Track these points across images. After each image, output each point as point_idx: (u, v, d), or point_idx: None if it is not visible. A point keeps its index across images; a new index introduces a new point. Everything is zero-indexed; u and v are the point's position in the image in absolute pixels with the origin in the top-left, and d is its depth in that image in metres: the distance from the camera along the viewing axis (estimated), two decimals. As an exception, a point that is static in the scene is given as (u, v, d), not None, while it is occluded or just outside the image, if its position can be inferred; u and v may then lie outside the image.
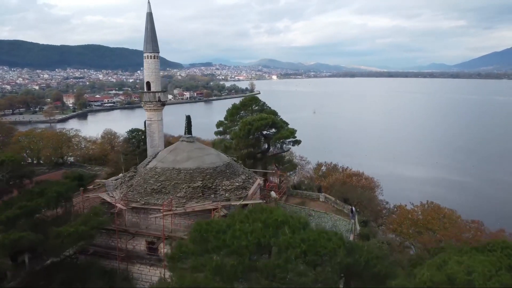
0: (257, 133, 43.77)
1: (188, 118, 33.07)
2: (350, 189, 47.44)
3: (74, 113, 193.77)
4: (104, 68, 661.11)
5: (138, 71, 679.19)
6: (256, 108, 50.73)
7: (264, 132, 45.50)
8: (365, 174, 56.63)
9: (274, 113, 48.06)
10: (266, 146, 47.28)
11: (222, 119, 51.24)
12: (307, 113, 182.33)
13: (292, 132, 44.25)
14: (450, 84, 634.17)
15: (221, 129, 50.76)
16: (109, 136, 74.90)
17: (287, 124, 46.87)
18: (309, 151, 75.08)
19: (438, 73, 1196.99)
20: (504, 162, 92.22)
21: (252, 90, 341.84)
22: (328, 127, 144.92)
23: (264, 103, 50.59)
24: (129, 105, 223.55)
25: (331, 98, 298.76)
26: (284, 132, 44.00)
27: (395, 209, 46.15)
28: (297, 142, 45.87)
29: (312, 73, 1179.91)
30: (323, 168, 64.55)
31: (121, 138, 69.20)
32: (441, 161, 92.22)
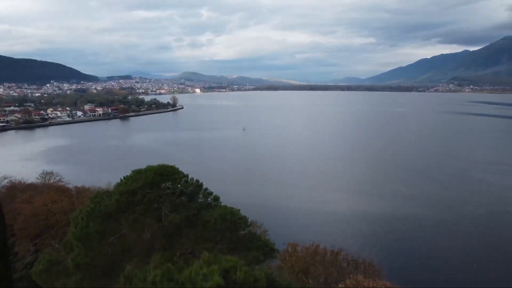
0: None
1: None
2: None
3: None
4: (7, 81, 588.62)
5: (48, 84, 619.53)
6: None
7: None
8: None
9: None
10: None
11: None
12: (237, 131, 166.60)
13: None
14: (369, 96, 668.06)
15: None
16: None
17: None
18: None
19: (354, 86, 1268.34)
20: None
21: (174, 104, 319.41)
22: (259, 148, 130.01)
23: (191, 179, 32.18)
24: (27, 125, 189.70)
25: (259, 113, 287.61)
26: None
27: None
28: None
29: (236, 86, 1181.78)
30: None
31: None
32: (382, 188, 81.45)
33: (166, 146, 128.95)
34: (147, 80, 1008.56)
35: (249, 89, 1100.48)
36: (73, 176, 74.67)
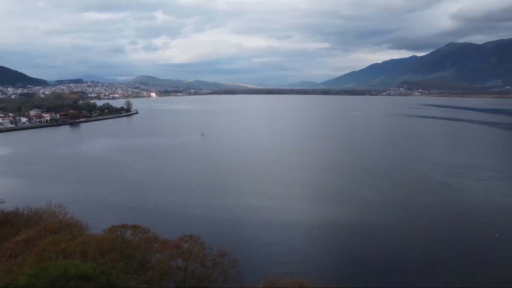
0: None
1: None
2: None
3: None
4: None
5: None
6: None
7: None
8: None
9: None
10: None
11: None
12: (195, 136, 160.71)
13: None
14: (326, 99, 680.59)
15: None
16: None
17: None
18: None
19: (310, 89, 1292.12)
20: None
21: (128, 109, 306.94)
22: (219, 155, 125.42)
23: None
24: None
25: (218, 117, 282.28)
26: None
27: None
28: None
29: (193, 90, 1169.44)
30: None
31: None
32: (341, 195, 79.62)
33: (119, 154, 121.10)
34: (100, 84, 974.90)
35: (206, 93, 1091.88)
36: (9, 193, 66.69)
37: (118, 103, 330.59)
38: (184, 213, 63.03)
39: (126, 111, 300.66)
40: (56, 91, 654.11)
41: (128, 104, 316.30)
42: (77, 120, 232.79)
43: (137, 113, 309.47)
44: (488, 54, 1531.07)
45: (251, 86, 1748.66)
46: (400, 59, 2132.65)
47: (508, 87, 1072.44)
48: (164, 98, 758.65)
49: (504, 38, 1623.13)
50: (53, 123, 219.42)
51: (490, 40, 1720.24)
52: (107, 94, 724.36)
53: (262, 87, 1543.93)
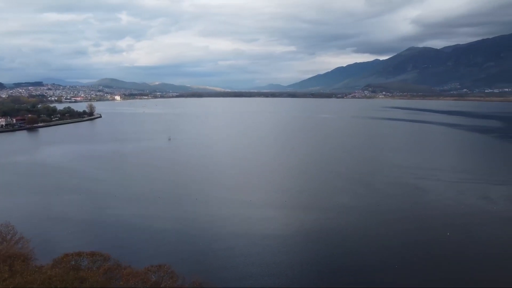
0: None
1: None
2: None
3: None
4: None
5: None
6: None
7: None
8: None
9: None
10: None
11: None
12: (162, 142, 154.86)
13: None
14: (293, 102, 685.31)
15: None
16: None
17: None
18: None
19: (278, 92, 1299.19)
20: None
21: (91, 113, 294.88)
22: (188, 160, 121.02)
23: None
24: None
25: (185, 121, 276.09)
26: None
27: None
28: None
29: (159, 93, 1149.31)
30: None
31: None
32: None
33: (80, 161, 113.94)
34: (61, 87, 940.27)
35: (172, 96, 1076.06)
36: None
37: (81, 107, 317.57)
38: (151, 227, 58.40)
39: (88, 115, 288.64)
40: (13, 94, 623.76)
41: (91, 107, 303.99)
42: (35, 125, 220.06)
43: (100, 117, 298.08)
44: (446, 58, 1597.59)
45: (218, 89, 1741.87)
46: (364, 62, 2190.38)
47: (465, 89, 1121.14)
48: (129, 101, 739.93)
49: (461, 43, 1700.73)
50: (9, 128, 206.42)
51: (447, 45, 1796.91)
52: (68, 97, 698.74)
53: (229, 90, 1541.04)
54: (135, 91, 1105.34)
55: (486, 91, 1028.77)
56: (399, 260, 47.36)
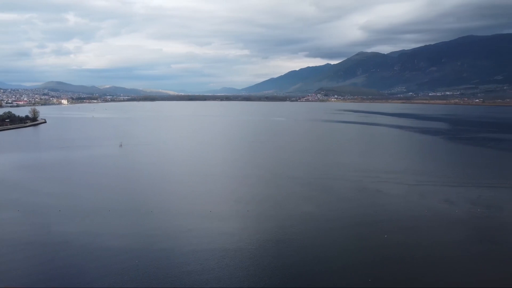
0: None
1: None
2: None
3: None
4: None
5: None
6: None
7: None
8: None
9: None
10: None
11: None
12: (113, 148, 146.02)
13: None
14: (248, 106, 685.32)
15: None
16: None
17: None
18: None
19: (232, 96, 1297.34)
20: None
21: (35, 118, 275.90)
22: (141, 168, 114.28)
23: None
24: None
25: (137, 126, 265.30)
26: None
27: None
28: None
29: (109, 97, 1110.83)
30: None
31: None
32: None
33: (21, 172, 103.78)
34: (1, 91, 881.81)
35: (124, 100, 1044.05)
36: None
37: (23, 112, 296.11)
38: (99, 246, 52.38)
39: (32, 120, 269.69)
40: None
41: (35, 112, 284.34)
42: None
43: (45, 122, 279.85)
44: (393, 63, 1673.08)
45: (171, 92, 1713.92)
46: (316, 66, 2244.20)
47: (411, 93, 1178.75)
48: (77, 105, 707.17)
49: (406, 49, 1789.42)
50: None
51: (394, 50, 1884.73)
52: (10, 101, 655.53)
53: (183, 94, 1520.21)
54: (84, 95, 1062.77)
55: (430, 94, 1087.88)
56: (364, 264, 45.25)
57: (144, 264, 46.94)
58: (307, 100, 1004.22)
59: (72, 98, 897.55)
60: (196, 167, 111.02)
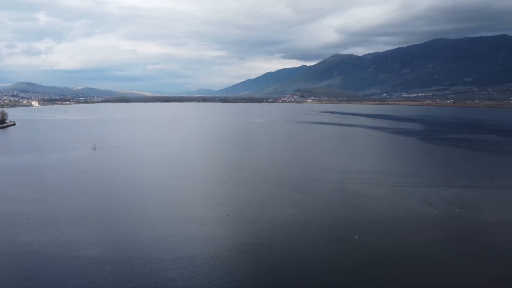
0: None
1: None
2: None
3: None
4: None
5: None
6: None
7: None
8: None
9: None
10: None
11: None
12: (86, 151, 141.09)
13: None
14: (225, 107, 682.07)
15: None
16: None
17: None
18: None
19: (209, 97, 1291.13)
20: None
21: (3, 120, 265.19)
22: (116, 172, 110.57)
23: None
24: None
25: (112, 128, 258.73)
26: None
27: None
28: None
29: (82, 98, 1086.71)
30: None
31: None
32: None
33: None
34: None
35: (98, 101, 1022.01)
36: None
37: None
38: (70, 255, 49.33)
39: (0, 123, 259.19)
40: None
41: (3, 114, 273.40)
42: None
43: (14, 124, 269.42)
44: (367, 65, 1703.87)
45: (147, 93, 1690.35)
46: (292, 68, 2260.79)
47: (385, 94, 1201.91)
48: (48, 107, 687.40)
49: (379, 51, 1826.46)
50: None
51: (368, 53, 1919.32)
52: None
53: (158, 95, 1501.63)
54: (56, 96, 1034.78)
55: (403, 95, 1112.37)
56: (346, 266, 44.18)
57: (118, 273, 44.42)
58: (284, 101, 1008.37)
59: (44, 100, 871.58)
60: (173, 170, 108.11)
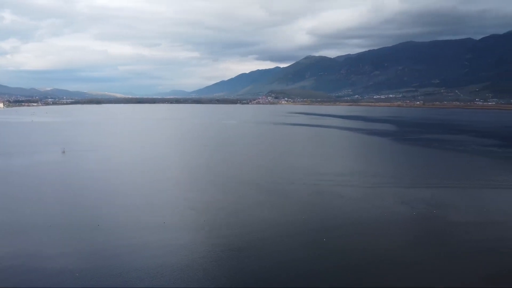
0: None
1: None
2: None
3: None
4: None
5: None
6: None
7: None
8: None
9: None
10: None
11: None
12: (54, 155, 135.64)
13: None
14: (199, 108, 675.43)
15: None
16: None
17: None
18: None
19: (182, 98, 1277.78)
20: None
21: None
22: (86, 177, 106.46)
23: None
24: None
25: (82, 130, 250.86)
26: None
27: None
28: None
29: (51, 99, 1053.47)
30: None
31: None
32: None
33: None
34: None
35: (67, 103, 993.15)
36: None
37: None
38: (36, 267, 46.37)
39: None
40: None
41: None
42: None
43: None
44: (339, 66, 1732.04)
45: (118, 95, 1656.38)
46: (266, 69, 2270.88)
47: (357, 96, 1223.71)
48: (14, 109, 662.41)
49: (351, 53, 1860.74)
50: None
51: (340, 55, 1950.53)
52: None
53: (130, 96, 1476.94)
54: (22, 98, 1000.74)
55: (374, 97, 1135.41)
56: (325, 269, 43.43)
57: (89, 284, 42.00)
58: (258, 103, 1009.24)
59: (9, 101, 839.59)
60: (147, 174, 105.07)
